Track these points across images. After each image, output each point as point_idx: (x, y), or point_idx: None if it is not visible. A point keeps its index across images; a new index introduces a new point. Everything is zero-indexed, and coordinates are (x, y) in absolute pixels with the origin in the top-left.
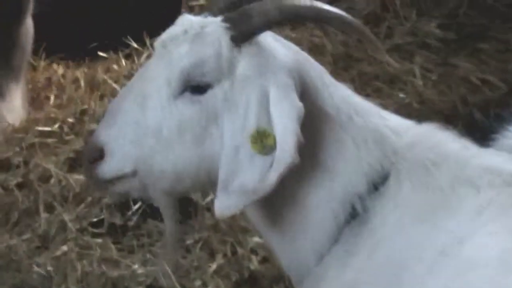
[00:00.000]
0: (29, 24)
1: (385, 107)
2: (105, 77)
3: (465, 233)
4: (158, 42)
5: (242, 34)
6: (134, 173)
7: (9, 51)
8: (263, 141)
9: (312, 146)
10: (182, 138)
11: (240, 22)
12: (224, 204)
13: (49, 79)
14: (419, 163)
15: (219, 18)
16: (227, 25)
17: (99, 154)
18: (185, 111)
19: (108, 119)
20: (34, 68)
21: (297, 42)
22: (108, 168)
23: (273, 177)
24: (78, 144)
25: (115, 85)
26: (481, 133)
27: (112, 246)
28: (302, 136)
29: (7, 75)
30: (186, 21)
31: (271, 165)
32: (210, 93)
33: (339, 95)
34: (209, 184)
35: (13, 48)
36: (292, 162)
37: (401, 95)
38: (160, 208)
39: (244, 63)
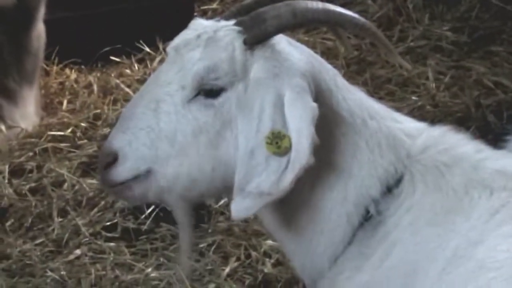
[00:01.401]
0: (41, 29)
1: (398, 110)
2: (118, 81)
3: (479, 235)
4: (171, 46)
5: (255, 38)
6: (148, 173)
7: (22, 56)
8: (278, 142)
9: (326, 149)
10: (196, 142)
11: (253, 26)
12: (240, 206)
13: (62, 84)
14: (433, 165)
15: (231, 22)
16: (240, 28)
17: (113, 159)
18: (199, 115)
19: (121, 124)
20: (47, 73)
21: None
22: (122, 170)
23: (288, 179)
24: (91, 148)
25: (128, 90)
26: (494, 135)
27: (126, 250)
28: (317, 138)
29: (20, 81)
30: (198, 25)
31: (286, 167)
32: (223, 97)
33: (353, 98)
34: (223, 188)
35: (25, 54)
36: (307, 163)
37: (414, 98)
38: (174, 213)
39: (258, 66)
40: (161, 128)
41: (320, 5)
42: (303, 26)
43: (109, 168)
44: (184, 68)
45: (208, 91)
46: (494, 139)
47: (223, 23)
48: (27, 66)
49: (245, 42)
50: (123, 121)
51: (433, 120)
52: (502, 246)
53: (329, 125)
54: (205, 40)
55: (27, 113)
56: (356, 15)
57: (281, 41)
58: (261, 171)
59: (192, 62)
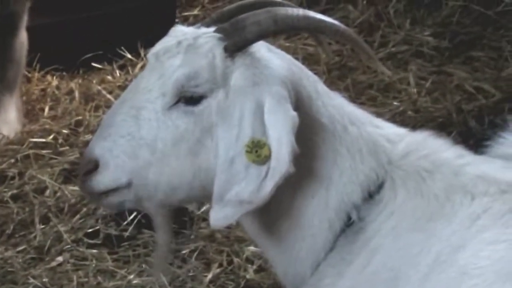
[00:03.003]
0: (23, 37)
1: (379, 115)
2: (100, 88)
3: (460, 241)
4: (151, 53)
5: (236, 45)
6: (128, 185)
7: (4, 64)
8: (258, 151)
9: (307, 156)
10: (176, 149)
11: (234, 33)
12: (219, 215)
13: (43, 91)
14: (414, 171)
15: (212, 29)
16: (221, 35)
17: (94, 166)
18: (180, 123)
19: (102, 131)
20: (28, 80)
21: (291, 51)
22: (102, 179)
23: (268, 187)
24: (73, 155)
25: (109, 96)
26: (475, 141)
27: (108, 257)
28: (297, 146)
29: (2, 88)
30: (179, 32)
31: (266, 175)
32: (204, 104)
33: (333, 104)
34: (204, 196)
35: (7, 61)
36: (287, 171)
37: (396, 103)
38: (153, 218)
39: (238, 73)
40: (142, 135)
41: (300, 11)
42: (283, 32)
43: (89, 175)
44: (164, 75)
45: (188, 98)
46: (476, 145)
47: (204, 30)
48: (9, 74)
49: (225, 49)
50: (104, 128)
51: (414, 125)
52: (484, 253)
53: (309, 132)
54: (185, 47)
55: (9, 120)
56: (336, 22)
57: (262, 48)
58: (241, 179)
59: (172, 69)
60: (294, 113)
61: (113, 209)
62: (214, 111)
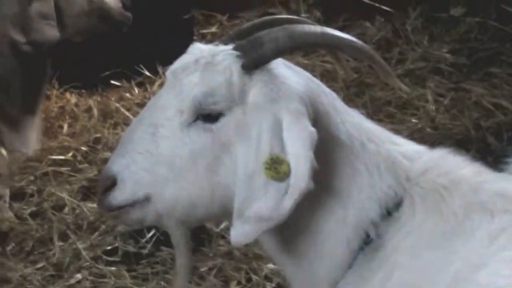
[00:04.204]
0: (47, 59)
1: (398, 132)
2: (118, 105)
3: (480, 259)
4: (169, 71)
5: (253, 62)
6: (146, 199)
7: (28, 85)
8: (277, 168)
9: (325, 173)
10: (195, 167)
11: (251, 50)
12: (239, 232)
13: (62, 108)
14: (432, 188)
15: (229, 46)
16: (238, 53)
17: (112, 183)
18: (198, 140)
19: (120, 149)
20: (47, 98)
21: (309, 68)
22: (120, 194)
23: (287, 204)
24: (92, 172)
25: (128, 114)
26: (494, 157)
27: (126, 274)
28: (316, 162)
29: (23, 108)
30: (197, 50)
31: (285, 192)
32: (222, 121)
33: (351, 121)
34: (223, 213)
35: (32, 83)
36: (306, 188)
37: (414, 120)
38: (172, 236)
39: (256, 90)
40: (160, 152)
41: (318, 28)
42: (301, 49)
43: (107, 192)
44: (182, 92)
45: (206, 116)
46: (494, 161)
47: (221, 47)
48: (32, 95)
49: (243, 67)
50: (122, 145)
51: (432, 142)
52: (504, 271)
53: (327, 149)
54: (203, 65)
55: (28, 139)
56: (353, 38)
57: (279, 65)
58: (260, 196)
59: (190, 87)
60: (313, 129)
61: (132, 226)
62: (232, 128)
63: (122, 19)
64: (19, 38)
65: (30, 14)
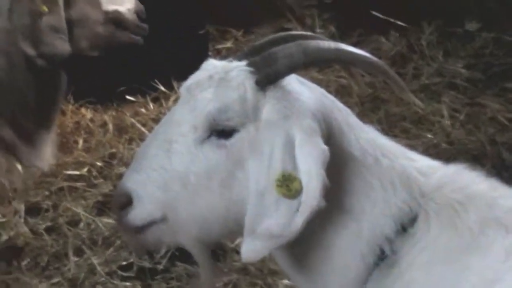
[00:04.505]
0: (62, 74)
1: (413, 148)
2: (133, 120)
3: (495, 274)
4: (184, 87)
5: (267, 78)
6: (163, 219)
7: (44, 100)
8: (288, 185)
9: (339, 189)
10: (209, 183)
11: (265, 66)
12: (250, 249)
13: (77, 123)
14: (447, 204)
15: (243, 62)
16: (252, 69)
17: (127, 200)
18: (212, 156)
19: (135, 165)
20: (63, 113)
21: (324, 84)
22: (137, 213)
23: (299, 221)
24: (107, 187)
25: (143, 129)
26: (509, 173)
27: None
28: (328, 179)
29: (39, 123)
30: (211, 66)
31: (297, 209)
32: (235, 138)
33: (365, 137)
34: (238, 229)
35: (47, 98)
36: (317, 205)
37: (429, 135)
38: (193, 254)
39: (269, 107)
40: (174, 168)
41: (332, 44)
42: (315, 65)
43: (124, 210)
44: (196, 108)
45: (220, 132)
46: (510, 177)
47: (235, 63)
48: (47, 109)
49: (256, 83)
50: (137, 161)
51: (448, 158)
52: None
53: (341, 165)
54: (217, 81)
55: (43, 154)
56: (367, 54)
57: (293, 81)
58: (271, 213)
59: (204, 103)
60: (325, 147)
61: (151, 246)
62: (245, 144)
63: (137, 30)
64: (30, 51)
65: (40, 27)
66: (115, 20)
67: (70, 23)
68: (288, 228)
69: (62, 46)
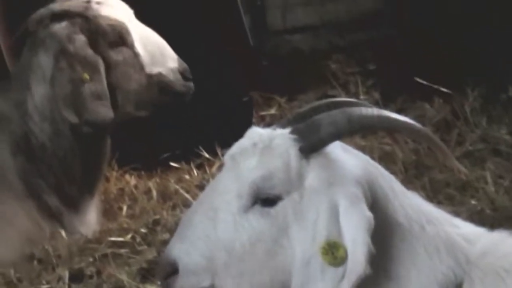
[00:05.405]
0: (108, 141)
1: (457, 214)
2: (177, 187)
3: None
4: (228, 155)
5: (311, 145)
6: (211, 287)
7: (88, 167)
8: (333, 252)
9: (384, 256)
10: (254, 251)
11: (309, 133)
12: None
13: (121, 190)
14: (492, 271)
15: (287, 130)
16: (296, 136)
17: (172, 269)
18: (256, 224)
19: (180, 233)
20: (107, 179)
21: (368, 150)
22: (184, 282)
23: None
24: (151, 254)
25: (187, 195)
26: None
27: None
28: (374, 246)
29: (83, 189)
30: (255, 133)
31: (342, 276)
32: (280, 205)
33: (410, 203)
34: None
35: (92, 164)
36: (363, 273)
37: (473, 202)
38: None
39: (313, 174)
40: (219, 237)
41: (375, 111)
42: (358, 132)
43: (170, 278)
44: (240, 176)
45: (264, 200)
46: None
47: (279, 131)
48: (92, 176)
49: (300, 150)
50: (182, 230)
51: (492, 224)
52: None
53: (386, 232)
54: (261, 149)
55: (88, 220)
56: (411, 121)
57: (337, 148)
58: (317, 281)
59: (249, 171)
60: (370, 214)
61: None
62: (290, 212)
63: (183, 90)
64: (73, 118)
65: (83, 95)
66: (159, 83)
67: (113, 87)
68: None
69: (105, 112)
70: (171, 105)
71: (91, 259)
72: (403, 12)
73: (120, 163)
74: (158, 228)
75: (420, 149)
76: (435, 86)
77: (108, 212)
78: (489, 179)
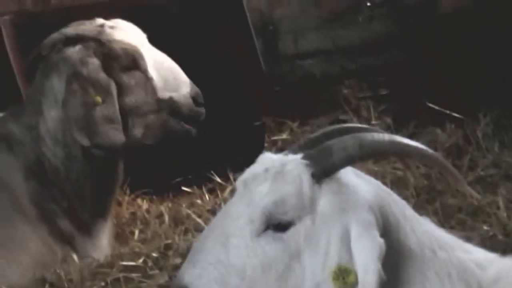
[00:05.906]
0: (121, 165)
1: (469, 239)
2: (189, 211)
3: None
4: (240, 181)
5: (323, 171)
6: None
7: (100, 191)
8: (344, 278)
9: (395, 281)
10: (266, 275)
11: (321, 159)
12: None
13: (133, 214)
14: None
15: (299, 155)
16: (308, 162)
17: None
18: (269, 250)
19: (191, 258)
20: (119, 204)
21: (380, 176)
22: None
23: None
24: (163, 279)
25: (199, 220)
26: None
27: None
28: (385, 271)
29: (95, 213)
30: (267, 159)
31: None
32: (292, 231)
33: (422, 229)
34: None
35: (105, 188)
36: None
37: (485, 227)
38: None
39: (325, 200)
40: (231, 262)
41: (386, 137)
42: (370, 158)
43: None
44: (252, 202)
45: (276, 225)
46: None
47: (291, 156)
48: (104, 200)
49: (312, 176)
50: (194, 255)
51: (504, 250)
52: None
53: (398, 257)
54: (273, 174)
55: (100, 244)
56: (422, 146)
57: (348, 173)
58: None
59: (261, 197)
60: (381, 240)
61: None
62: (301, 237)
63: (193, 114)
64: (85, 141)
65: (95, 118)
66: (169, 108)
67: (124, 111)
68: None
69: (116, 136)
70: (177, 134)
71: (103, 283)
72: (415, 37)
73: (132, 187)
74: (170, 253)
75: (432, 174)
76: (447, 111)
77: (120, 236)
78: (501, 205)
